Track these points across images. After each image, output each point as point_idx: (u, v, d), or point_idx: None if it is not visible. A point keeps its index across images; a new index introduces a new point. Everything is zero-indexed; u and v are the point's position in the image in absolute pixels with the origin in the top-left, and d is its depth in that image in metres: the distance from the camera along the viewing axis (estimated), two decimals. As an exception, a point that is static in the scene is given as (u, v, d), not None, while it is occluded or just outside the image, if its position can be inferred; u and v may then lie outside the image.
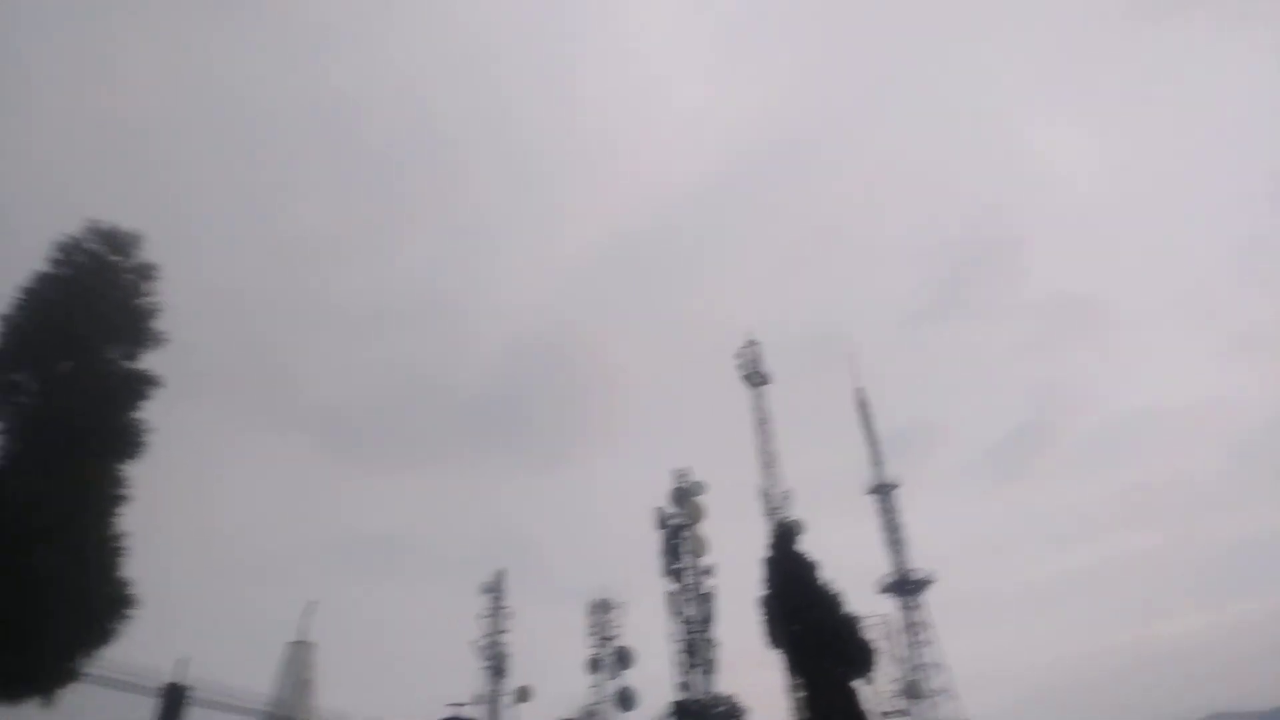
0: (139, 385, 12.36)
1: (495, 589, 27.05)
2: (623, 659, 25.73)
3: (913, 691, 41.80)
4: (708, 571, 24.37)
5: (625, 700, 25.13)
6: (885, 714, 29.84)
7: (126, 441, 11.99)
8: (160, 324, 12.74)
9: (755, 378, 27.61)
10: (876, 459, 53.75)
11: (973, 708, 46.31)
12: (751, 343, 28.22)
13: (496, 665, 25.69)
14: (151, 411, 12.21)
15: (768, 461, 25.65)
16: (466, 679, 25.27)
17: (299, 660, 20.52)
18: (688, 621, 23.62)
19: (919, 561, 50.21)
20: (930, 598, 49.55)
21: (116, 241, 12.55)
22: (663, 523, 25.33)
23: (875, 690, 22.74)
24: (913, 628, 48.36)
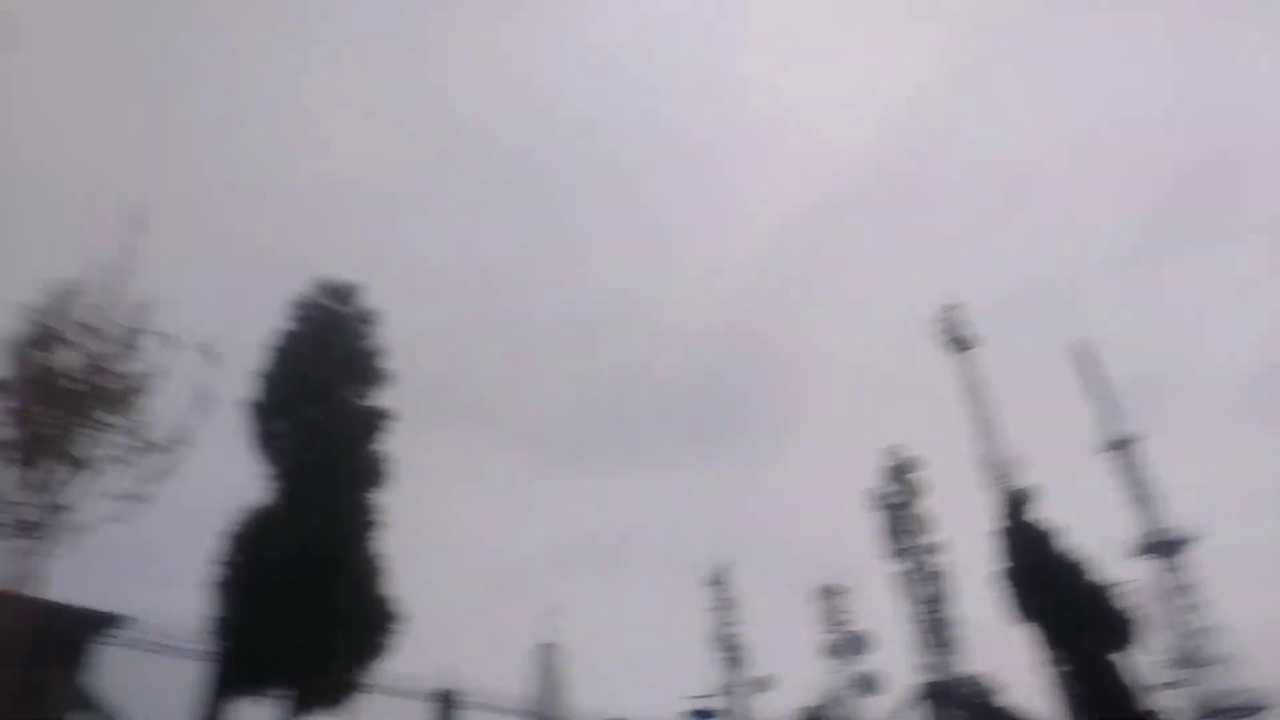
0: (375, 420, 13.57)
1: (720, 580, 27.41)
2: (858, 644, 25.29)
3: (1189, 660, 38.15)
4: (935, 549, 23.52)
5: (868, 685, 24.68)
6: (1161, 685, 27.32)
7: (372, 472, 13.19)
8: (386, 363, 13.96)
9: (961, 342, 26.20)
10: (1109, 413, 49.34)
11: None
12: (953, 306, 26.74)
13: (733, 656, 25.97)
14: (393, 443, 13.41)
15: (985, 429, 24.26)
16: (703, 672, 25.75)
17: (549, 662, 21.84)
18: (921, 601, 22.91)
19: (1176, 518, 45.64)
20: (1196, 556, 44.87)
21: (341, 294, 13.94)
22: (881, 503, 24.71)
23: (1145, 661, 20.92)
24: (1178, 591, 44.04)
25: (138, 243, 10.01)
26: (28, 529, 8.92)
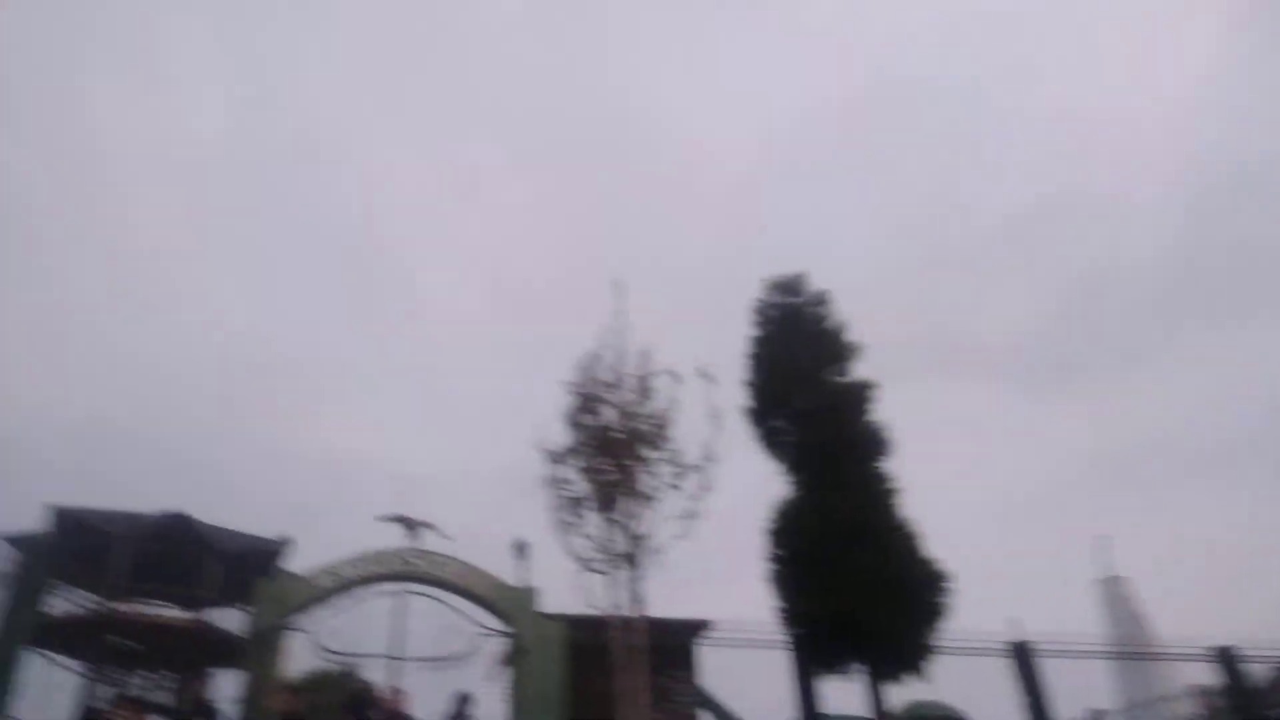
0: (861, 393, 13.81)
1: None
2: None
3: None
4: None
5: None
6: None
7: (874, 443, 13.41)
8: (851, 336, 14.20)
9: None
10: None
11: None
12: None
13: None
14: (885, 409, 13.58)
15: None
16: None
17: (1117, 595, 20.13)
18: None
19: None
20: None
21: (792, 286, 14.56)
22: None
23: None
24: None
25: (625, 305, 11.64)
26: (622, 560, 10.66)
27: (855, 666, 12.26)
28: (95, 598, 15.78)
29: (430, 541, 15.10)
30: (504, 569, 14.90)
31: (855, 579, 12.01)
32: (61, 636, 15.02)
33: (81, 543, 14.71)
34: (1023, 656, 13.08)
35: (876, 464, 13.34)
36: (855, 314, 14.51)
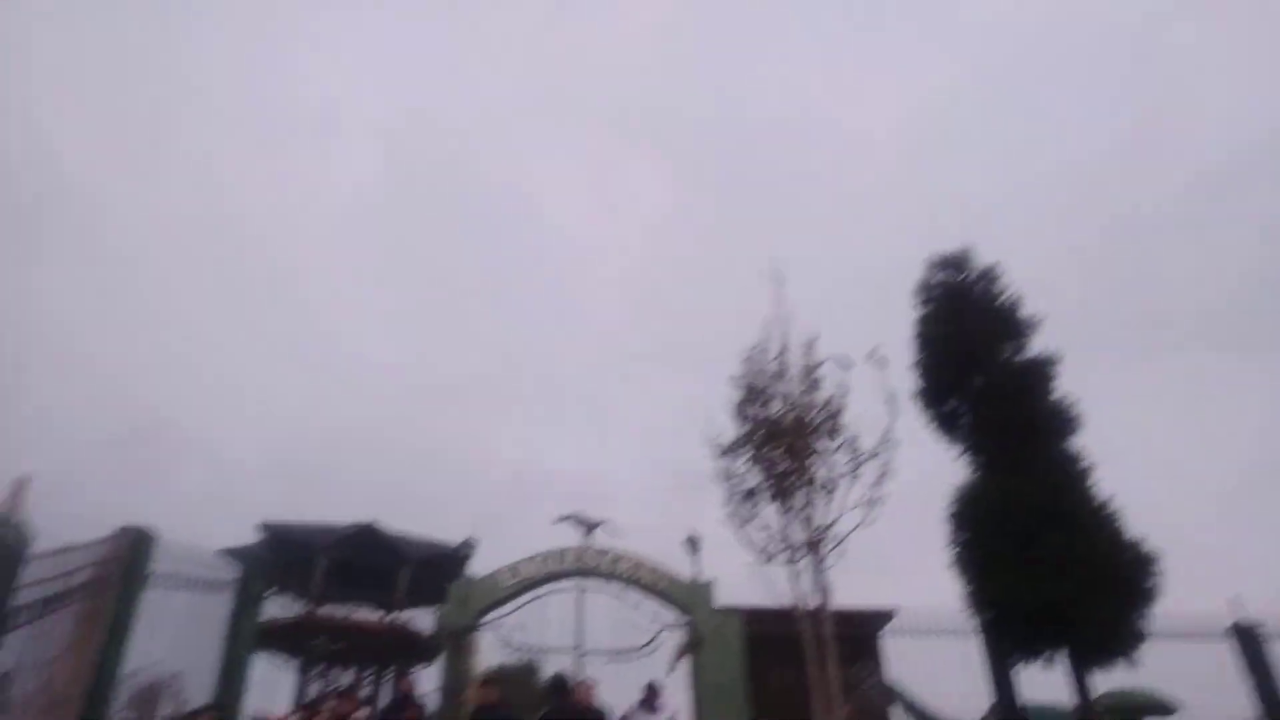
0: (1040, 369, 13.08)
1: None
2: None
3: None
4: None
5: None
6: None
7: (1059, 420, 12.68)
8: (1027, 309, 13.47)
9: None
10: None
11: None
12: None
13: None
14: (1069, 385, 12.80)
15: None
16: None
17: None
18: None
19: None
20: None
21: (957, 262, 13.95)
22: None
23: None
24: None
25: (785, 295, 11.47)
26: (803, 551, 10.52)
27: (1056, 653, 11.65)
28: (302, 603, 17.09)
29: (604, 540, 15.46)
30: (677, 565, 15.08)
31: (1052, 562, 11.43)
32: (277, 638, 16.34)
33: (288, 554, 15.95)
34: (1248, 639, 12.06)
35: (1064, 443, 12.61)
36: (1033, 287, 13.75)
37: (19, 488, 6.87)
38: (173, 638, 10.78)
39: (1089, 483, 12.16)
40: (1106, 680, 12.15)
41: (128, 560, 9.48)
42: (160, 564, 10.19)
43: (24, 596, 7.09)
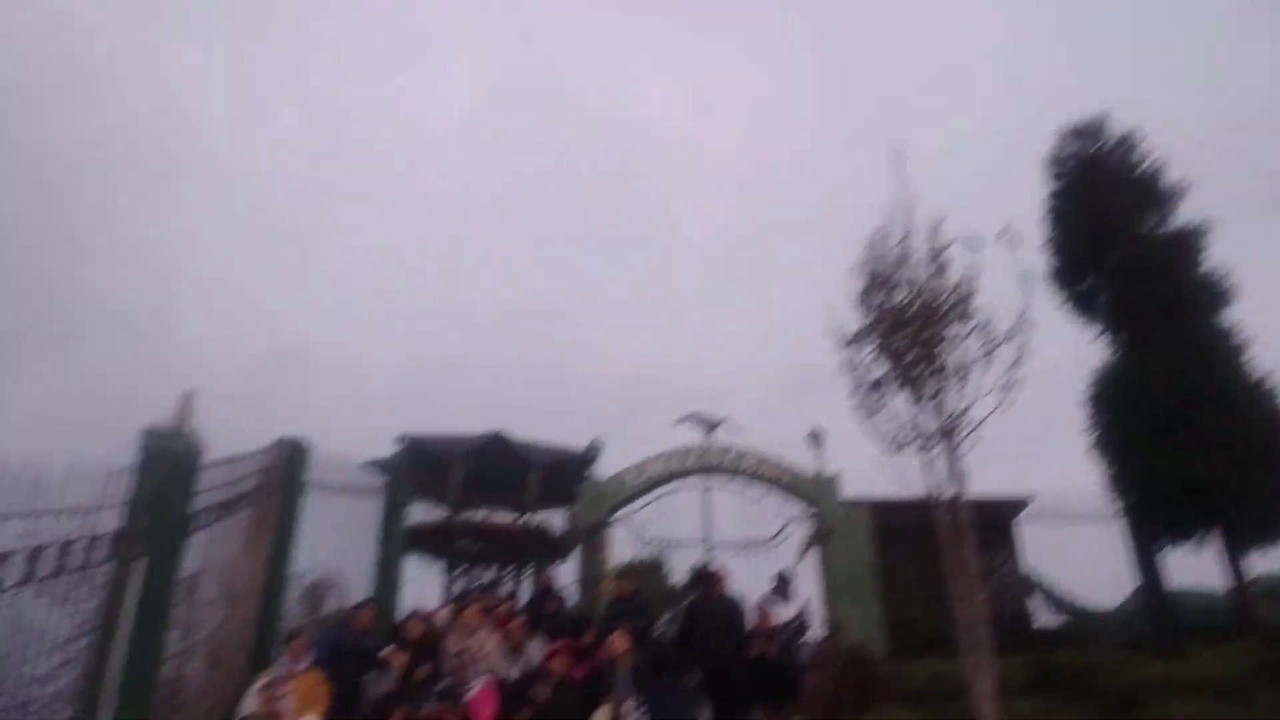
0: (1184, 241, 12.24)
1: None
2: None
3: None
4: None
5: None
6: None
7: (1209, 294, 11.90)
8: (1171, 178, 12.52)
9: None
10: None
11: None
12: None
13: None
14: (1220, 256, 11.93)
15: None
16: None
17: None
18: None
19: None
20: None
21: (1091, 132, 13.04)
22: None
23: None
24: None
25: (908, 177, 10.93)
26: (934, 438, 10.33)
27: (1207, 536, 11.19)
28: (442, 508, 18.06)
29: (726, 438, 15.60)
30: (801, 460, 15.10)
31: (1202, 442, 10.89)
32: (423, 541, 17.37)
33: (426, 463, 16.80)
34: None
35: (1214, 318, 11.86)
36: (1177, 154, 12.72)
37: (185, 402, 7.34)
38: (332, 541, 11.59)
39: (1242, 359, 11.45)
40: (1262, 563, 11.66)
41: (287, 469, 10.11)
42: (315, 473, 10.85)
43: (200, 502, 7.64)
